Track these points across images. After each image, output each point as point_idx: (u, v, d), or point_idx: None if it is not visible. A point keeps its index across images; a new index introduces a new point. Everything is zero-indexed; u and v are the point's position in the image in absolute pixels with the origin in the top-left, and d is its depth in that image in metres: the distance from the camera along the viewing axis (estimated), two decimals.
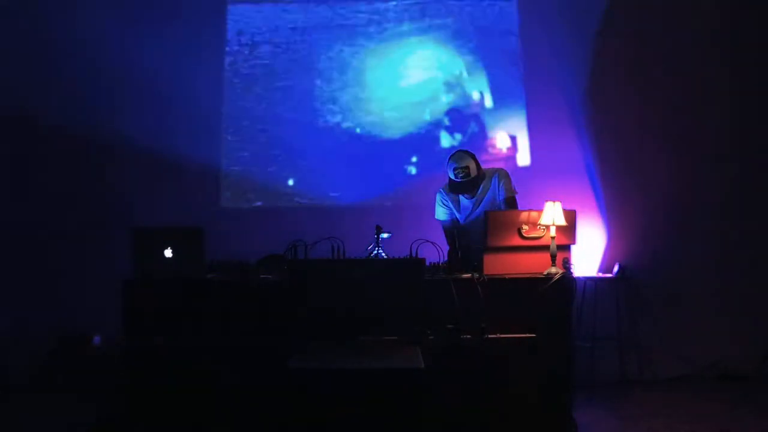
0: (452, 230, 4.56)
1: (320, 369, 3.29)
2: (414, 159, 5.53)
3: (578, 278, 4.99)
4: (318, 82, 5.60)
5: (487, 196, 4.41)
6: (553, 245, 3.75)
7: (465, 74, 5.62)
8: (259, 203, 5.56)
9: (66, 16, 5.50)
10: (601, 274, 5.32)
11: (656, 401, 4.79)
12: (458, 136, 5.52)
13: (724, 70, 5.51)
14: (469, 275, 3.77)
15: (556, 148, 5.51)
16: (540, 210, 3.83)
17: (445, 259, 4.00)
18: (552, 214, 3.74)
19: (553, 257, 3.75)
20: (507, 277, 3.79)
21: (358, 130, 5.57)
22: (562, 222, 3.75)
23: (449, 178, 4.35)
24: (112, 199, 5.42)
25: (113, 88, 5.51)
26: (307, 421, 3.21)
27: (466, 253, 4.12)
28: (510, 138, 5.59)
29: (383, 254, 4.03)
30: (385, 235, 4.08)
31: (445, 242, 4.52)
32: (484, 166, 4.42)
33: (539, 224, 3.81)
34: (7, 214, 5.43)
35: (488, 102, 5.61)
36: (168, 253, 3.72)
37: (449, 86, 5.60)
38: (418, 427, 3.20)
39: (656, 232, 5.42)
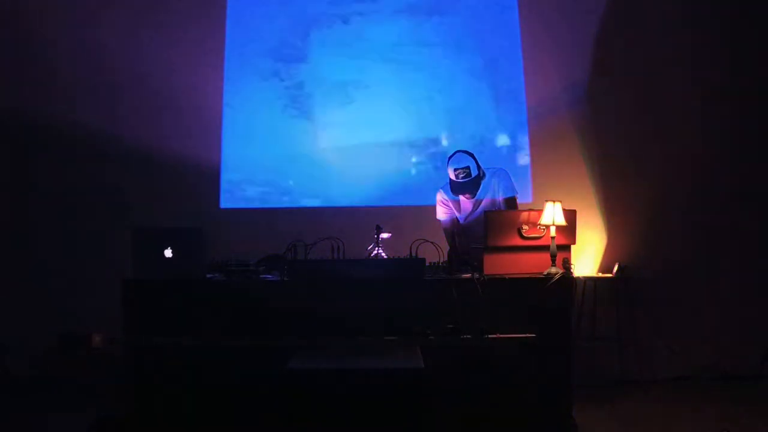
0: (452, 230, 4.57)
1: (320, 369, 3.29)
2: (414, 159, 5.53)
3: (578, 278, 5.00)
4: (318, 81, 5.59)
5: (487, 197, 4.41)
6: (553, 245, 3.75)
7: (465, 74, 5.61)
8: (258, 204, 5.55)
9: (66, 15, 5.50)
10: (601, 274, 5.32)
11: (656, 401, 4.79)
12: (458, 136, 5.52)
13: (725, 70, 5.51)
14: (469, 275, 3.77)
15: (556, 148, 5.50)
16: (540, 210, 3.83)
17: (445, 259, 4.00)
18: (552, 214, 3.74)
19: (553, 257, 3.76)
20: (507, 277, 3.79)
21: (358, 130, 5.56)
22: (562, 222, 3.75)
23: (449, 178, 4.35)
24: (112, 199, 5.42)
25: (113, 88, 5.50)
26: (307, 421, 3.21)
27: (466, 253, 4.12)
28: (510, 138, 5.58)
29: (383, 254, 4.03)
30: (385, 235, 4.09)
31: (445, 242, 4.53)
32: (483, 166, 4.42)
33: (539, 224, 3.82)
34: (8, 213, 5.43)
35: (488, 102, 5.60)
36: (168, 253, 3.72)
37: (449, 86, 5.60)
38: (418, 427, 3.20)
39: (656, 232, 5.42)
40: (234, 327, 3.72)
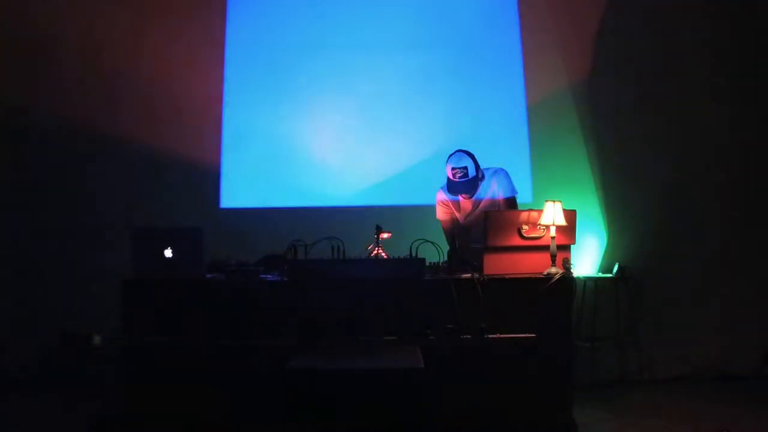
0: (452, 230, 4.57)
1: (320, 369, 3.29)
2: (414, 159, 5.52)
3: (578, 278, 5.00)
4: (318, 81, 5.59)
5: (486, 197, 4.41)
6: (553, 245, 3.75)
7: (465, 73, 5.61)
8: (258, 203, 5.55)
9: (66, 15, 5.50)
10: (601, 274, 5.32)
11: (656, 401, 4.79)
12: (458, 136, 5.51)
13: (725, 69, 5.51)
14: (469, 275, 3.77)
15: (556, 148, 5.50)
16: (540, 210, 3.83)
17: (445, 259, 4.00)
18: (552, 214, 3.74)
19: (553, 257, 3.76)
20: (507, 277, 3.79)
21: (358, 130, 5.56)
22: (562, 222, 3.75)
23: (447, 178, 4.35)
24: (112, 199, 5.42)
25: (113, 87, 5.50)
26: (307, 421, 3.21)
27: (465, 253, 4.12)
28: (510, 138, 5.58)
29: (383, 254, 4.03)
30: (385, 235, 4.08)
31: (445, 242, 4.53)
32: (483, 166, 4.42)
33: (539, 224, 3.82)
34: (8, 213, 5.42)
35: (488, 102, 5.60)
36: (168, 253, 3.72)
37: (449, 85, 5.60)
38: (418, 427, 3.20)
39: (656, 232, 5.41)
40: (234, 327, 3.72)
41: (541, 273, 3.79)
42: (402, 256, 3.85)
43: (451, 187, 4.36)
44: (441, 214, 4.58)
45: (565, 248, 3.90)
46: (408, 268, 3.76)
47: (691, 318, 5.33)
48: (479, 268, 3.82)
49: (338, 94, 5.57)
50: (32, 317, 5.28)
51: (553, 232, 3.75)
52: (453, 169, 4.28)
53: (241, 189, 5.58)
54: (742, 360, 5.30)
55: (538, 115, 5.56)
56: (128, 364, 3.74)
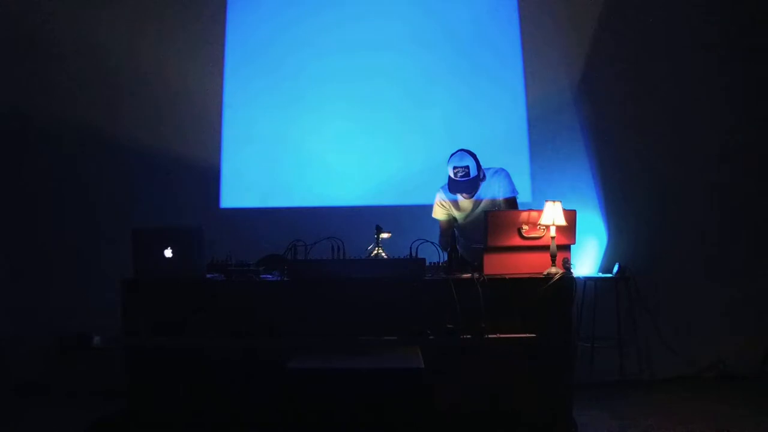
0: (449, 230, 4.57)
1: (320, 369, 3.29)
2: (414, 158, 5.52)
3: (578, 278, 5.00)
4: (318, 81, 5.58)
5: (486, 197, 4.41)
6: (553, 245, 3.75)
7: (464, 72, 5.61)
8: (259, 203, 5.55)
9: (66, 15, 5.50)
10: (601, 274, 5.32)
11: (656, 401, 4.78)
12: (458, 135, 5.51)
13: (726, 68, 5.51)
14: (469, 275, 3.77)
15: (556, 148, 5.50)
16: (540, 210, 3.83)
17: (445, 259, 4.00)
18: (552, 214, 3.74)
19: (553, 257, 3.76)
20: (507, 277, 3.79)
21: (358, 130, 5.56)
22: (562, 222, 3.75)
23: (449, 177, 4.35)
24: (111, 199, 5.42)
25: (113, 87, 5.50)
26: (307, 421, 3.21)
27: (465, 253, 4.12)
28: (510, 137, 5.58)
29: (383, 254, 4.03)
30: (385, 235, 4.08)
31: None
32: (484, 167, 4.42)
33: (539, 224, 3.82)
34: (7, 213, 5.42)
35: (488, 101, 5.60)
36: (168, 253, 3.72)
37: (449, 85, 5.59)
38: (419, 427, 3.20)
39: (656, 232, 5.42)
40: (234, 327, 3.72)
41: (541, 273, 3.79)
42: (402, 256, 3.85)
43: (451, 185, 4.36)
44: (439, 214, 4.57)
45: (565, 248, 3.91)
46: (408, 268, 3.76)
47: (691, 318, 5.34)
48: (479, 268, 3.82)
49: (338, 94, 5.56)
50: (32, 317, 5.27)
51: (553, 232, 3.75)
52: (454, 168, 4.28)
53: (241, 189, 5.58)
54: (742, 360, 5.30)
55: (538, 114, 5.56)
56: (128, 364, 3.73)
